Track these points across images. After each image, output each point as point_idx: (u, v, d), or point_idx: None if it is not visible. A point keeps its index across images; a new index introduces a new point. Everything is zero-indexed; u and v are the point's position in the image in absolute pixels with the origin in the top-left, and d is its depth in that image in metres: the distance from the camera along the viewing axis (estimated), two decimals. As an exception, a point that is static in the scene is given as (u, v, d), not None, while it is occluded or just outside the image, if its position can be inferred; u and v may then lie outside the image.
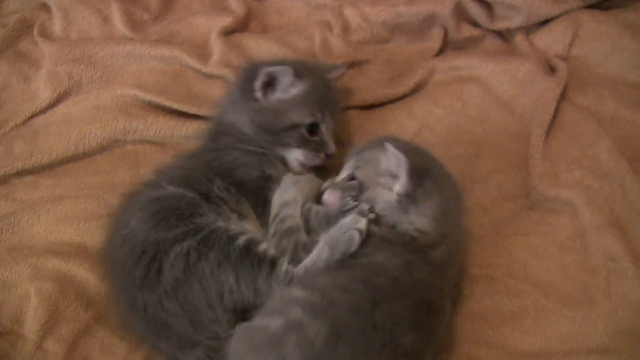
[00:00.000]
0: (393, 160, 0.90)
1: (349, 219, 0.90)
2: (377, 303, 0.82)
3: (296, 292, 0.84)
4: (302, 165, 1.07)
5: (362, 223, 0.89)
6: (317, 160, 1.07)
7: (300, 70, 1.06)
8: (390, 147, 0.90)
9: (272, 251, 0.91)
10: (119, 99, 1.25)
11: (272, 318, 0.82)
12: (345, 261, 0.88)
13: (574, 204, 1.07)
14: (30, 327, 0.98)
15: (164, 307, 0.90)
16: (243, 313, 0.90)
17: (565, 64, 1.29)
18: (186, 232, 0.91)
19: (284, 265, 0.89)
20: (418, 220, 0.91)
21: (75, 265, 1.04)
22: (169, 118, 1.22)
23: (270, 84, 1.06)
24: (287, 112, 1.06)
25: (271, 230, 0.94)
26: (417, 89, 1.32)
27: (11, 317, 1.00)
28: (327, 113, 1.08)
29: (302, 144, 1.06)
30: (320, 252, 0.89)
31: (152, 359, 0.94)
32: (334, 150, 1.08)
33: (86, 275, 1.03)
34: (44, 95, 1.28)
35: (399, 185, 0.91)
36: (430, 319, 0.86)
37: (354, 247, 0.88)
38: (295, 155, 1.07)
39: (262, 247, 0.91)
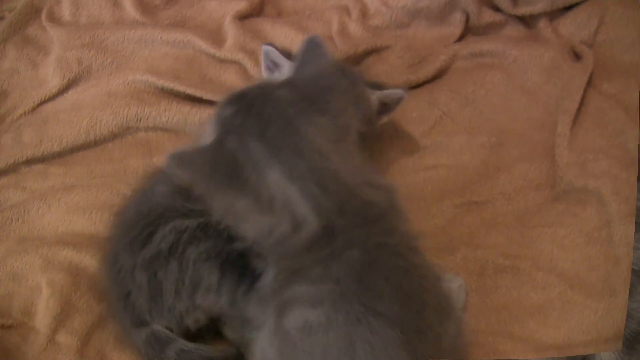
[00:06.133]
0: None
1: None
2: None
3: None
4: None
5: None
6: None
7: None
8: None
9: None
10: (130, 85, 1.21)
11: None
12: None
13: (601, 194, 1.04)
14: (42, 320, 0.95)
15: (133, 275, 0.87)
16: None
17: (591, 51, 1.26)
18: (195, 210, 0.87)
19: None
20: None
21: (87, 256, 1.01)
22: (182, 104, 1.18)
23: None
24: None
25: None
26: (438, 75, 1.28)
27: (22, 309, 0.97)
28: None
29: None
30: None
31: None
32: None
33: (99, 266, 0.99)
34: (54, 81, 1.24)
35: None
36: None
37: None
38: None
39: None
